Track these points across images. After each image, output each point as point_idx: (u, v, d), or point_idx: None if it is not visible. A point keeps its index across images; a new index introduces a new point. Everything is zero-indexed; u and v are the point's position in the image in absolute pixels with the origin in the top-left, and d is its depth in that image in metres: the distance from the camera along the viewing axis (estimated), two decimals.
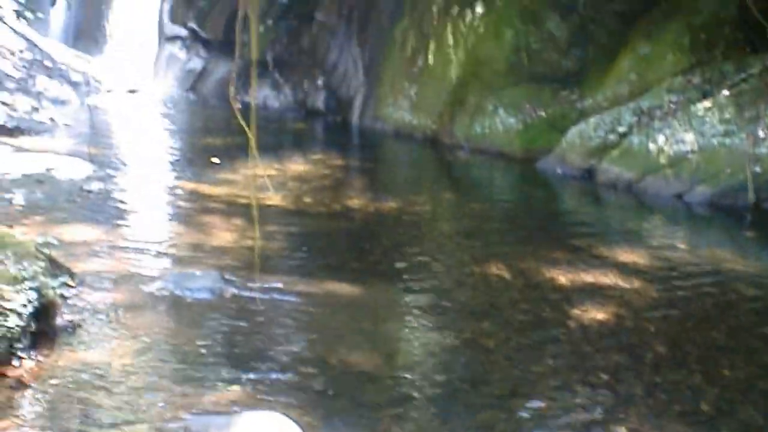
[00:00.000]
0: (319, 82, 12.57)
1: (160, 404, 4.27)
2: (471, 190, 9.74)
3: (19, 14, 12.41)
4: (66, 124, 10.40)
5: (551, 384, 4.56)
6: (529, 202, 9.14)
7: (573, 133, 10.00)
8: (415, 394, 4.41)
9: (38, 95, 11.12)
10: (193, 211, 7.50)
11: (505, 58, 11.32)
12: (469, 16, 11.63)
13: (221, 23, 13.14)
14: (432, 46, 11.96)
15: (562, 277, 6.17)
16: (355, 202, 8.27)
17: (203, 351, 4.86)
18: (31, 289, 4.82)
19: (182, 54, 13.18)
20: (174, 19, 13.39)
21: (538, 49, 11.19)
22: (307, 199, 8.15)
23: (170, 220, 7.36)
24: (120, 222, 7.18)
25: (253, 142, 3.79)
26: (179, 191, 8.08)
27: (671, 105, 9.26)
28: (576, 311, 5.56)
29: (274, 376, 4.58)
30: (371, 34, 12.76)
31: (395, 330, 5.36)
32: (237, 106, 4.60)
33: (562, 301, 5.75)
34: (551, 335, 5.21)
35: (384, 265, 6.52)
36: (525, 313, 5.57)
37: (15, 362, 4.55)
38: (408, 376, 4.68)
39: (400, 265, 6.50)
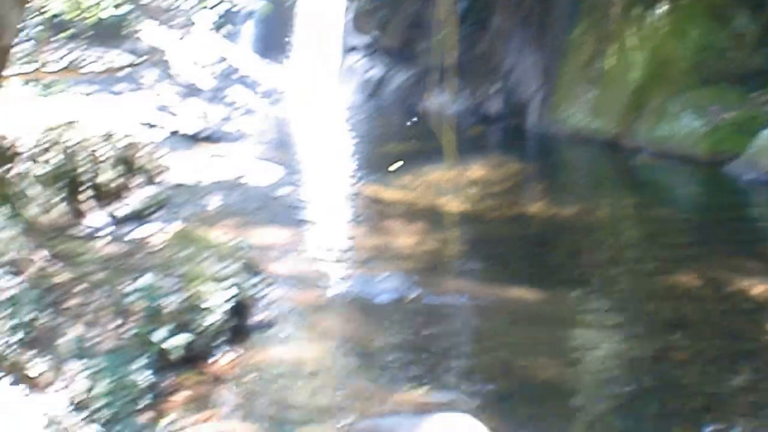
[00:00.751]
0: (495, 87, 12.56)
1: (350, 402, 4.43)
2: (654, 195, 9.41)
3: (217, 28, 13.22)
4: (255, 132, 10.96)
5: (748, 400, 4.35)
6: (716, 208, 8.71)
7: (764, 135, 9.45)
8: (602, 406, 4.34)
9: (230, 105, 11.80)
10: (375, 215, 7.70)
11: (690, 58, 10.85)
12: (651, 16, 11.25)
13: (401, 31, 13.41)
14: (612, 48, 11.65)
15: (757, 288, 5.85)
16: (533, 208, 8.20)
17: (389, 352, 4.99)
18: (230, 287, 5.15)
19: (364, 62, 13.56)
20: (357, 29, 13.79)
21: (725, 48, 10.66)
22: (486, 204, 8.16)
23: (354, 223, 7.59)
24: (307, 225, 7.49)
25: (450, 148, 3.84)
26: (362, 196, 8.32)
27: None
28: None
29: (458, 379, 4.64)
30: (548, 37, 12.60)
31: (579, 339, 5.28)
32: (432, 113, 4.69)
33: (758, 313, 5.45)
34: (747, 348, 4.96)
35: (564, 272, 6.43)
36: (717, 324, 5.33)
37: (214, 357, 4.87)
38: (594, 386, 4.61)
39: (581, 271, 6.39)
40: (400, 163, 9.19)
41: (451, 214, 7.83)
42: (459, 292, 5.89)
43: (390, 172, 9.03)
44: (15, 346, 4.06)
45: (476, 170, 9.43)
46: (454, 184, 8.89)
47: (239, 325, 5.14)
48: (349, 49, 14.09)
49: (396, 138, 11.25)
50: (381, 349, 5.04)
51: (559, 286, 6.04)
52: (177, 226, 6.91)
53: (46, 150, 6.95)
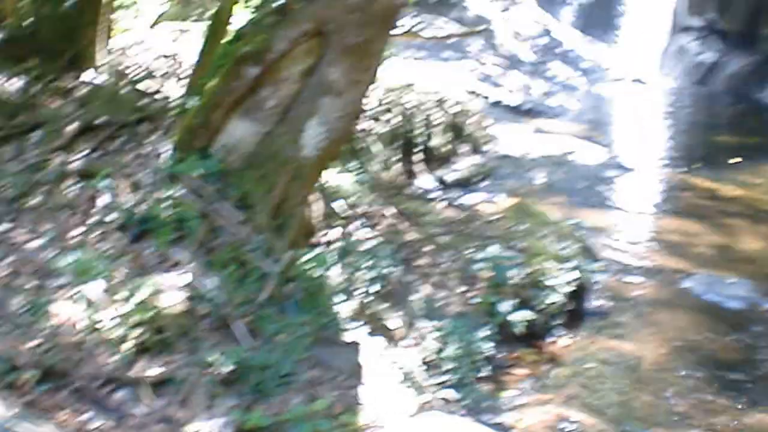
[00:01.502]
0: None
1: (695, 413, 4.11)
2: None
3: (540, 1, 13.00)
4: (576, 109, 10.64)
5: None
6: None
7: None
8: None
9: (551, 79, 11.55)
10: (711, 211, 7.12)
11: None
12: None
13: (743, 14, 12.29)
14: None
15: None
16: None
17: (739, 365, 4.57)
18: (571, 269, 4.97)
19: (694, 46, 12.65)
20: (690, 9, 12.90)
21: None
22: None
23: (688, 217, 7.04)
24: (637, 212, 7.10)
25: None
26: (694, 188, 7.74)
27: None
28: None
29: None
30: None
31: None
32: None
33: None
34: None
35: None
36: None
37: (551, 337, 4.73)
38: None
39: None
40: (738, 158, 8.48)
41: None
42: None
43: (726, 165, 8.35)
44: (373, 298, 4.17)
45: None
46: None
47: (576, 309, 4.96)
48: (680, 31, 13.24)
49: (728, 129, 10.40)
50: (730, 360, 4.64)
51: None
52: (504, 197, 6.87)
53: (387, 110, 7.16)
